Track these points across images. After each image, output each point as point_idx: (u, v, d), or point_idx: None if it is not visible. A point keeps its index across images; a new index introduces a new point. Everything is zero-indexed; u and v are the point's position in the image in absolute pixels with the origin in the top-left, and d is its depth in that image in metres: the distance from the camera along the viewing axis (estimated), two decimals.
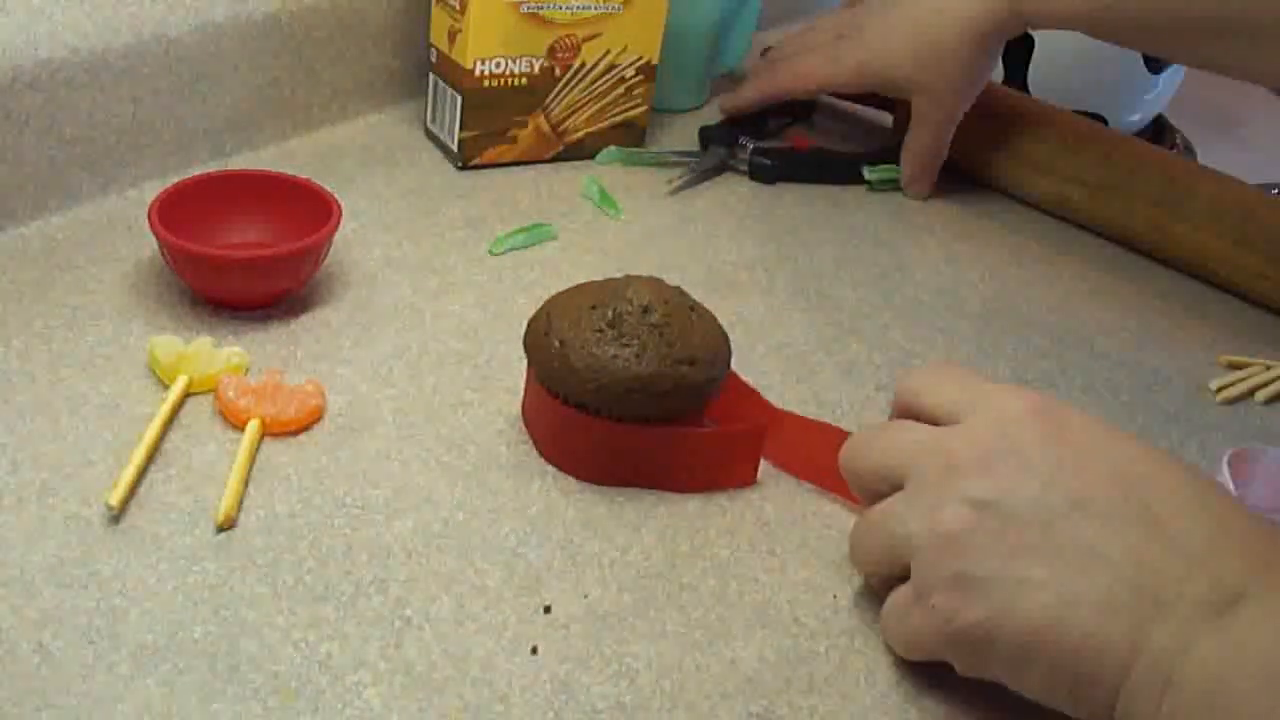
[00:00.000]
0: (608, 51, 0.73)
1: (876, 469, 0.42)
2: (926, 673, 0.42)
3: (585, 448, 0.48)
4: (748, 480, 0.50)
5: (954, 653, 0.39)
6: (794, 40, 0.82)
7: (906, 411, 0.43)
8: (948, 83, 0.72)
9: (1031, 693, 0.38)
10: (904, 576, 0.41)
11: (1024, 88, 0.85)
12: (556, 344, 0.47)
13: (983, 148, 0.80)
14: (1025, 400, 0.40)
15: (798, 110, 0.86)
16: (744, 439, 0.49)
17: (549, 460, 0.49)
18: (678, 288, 0.50)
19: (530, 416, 0.51)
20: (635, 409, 0.46)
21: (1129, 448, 0.39)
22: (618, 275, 0.64)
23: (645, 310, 0.47)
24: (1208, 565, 0.35)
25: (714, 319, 0.50)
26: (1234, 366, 0.64)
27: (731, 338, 0.51)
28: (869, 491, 0.43)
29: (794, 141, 0.82)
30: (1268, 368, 0.63)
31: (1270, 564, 0.35)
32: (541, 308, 0.50)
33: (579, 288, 0.50)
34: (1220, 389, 0.61)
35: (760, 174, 0.77)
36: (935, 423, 0.41)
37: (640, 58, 0.75)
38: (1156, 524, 0.36)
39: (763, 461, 0.50)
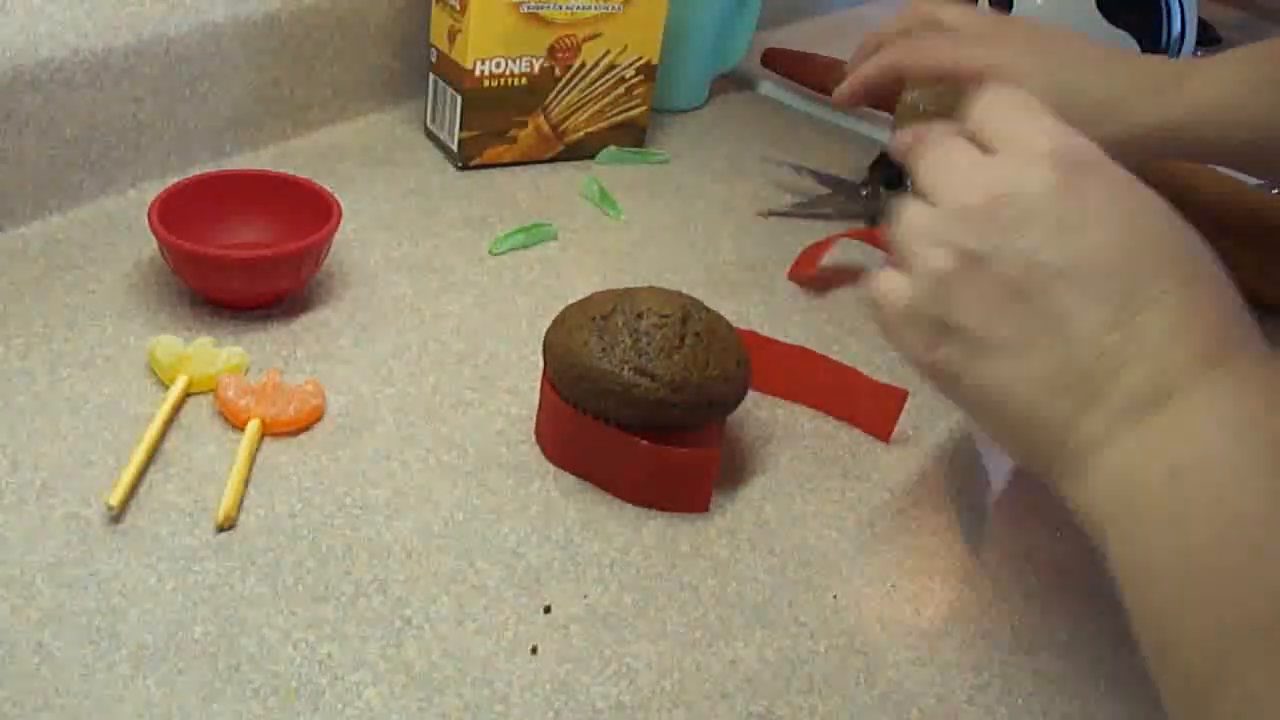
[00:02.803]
0: (608, 51, 0.73)
1: (921, 175, 0.42)
2: (927, 672, 0.42)
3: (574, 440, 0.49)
4: (698, 507, 0.48)
5: (928, 379, 0.41)
6: (905, 20, 0.71)
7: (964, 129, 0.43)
8: None
9: (989, 433, 0.40)
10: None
11: None
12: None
13: None
14: (1055, 142, 0.39)
15: None
16: (692, 463, 0.47)
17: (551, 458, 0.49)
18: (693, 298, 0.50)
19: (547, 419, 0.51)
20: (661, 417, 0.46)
21: (1144, 215, 0.38)
22: (618, 275, 0.64)
23: (681, 320, 0.47)
24: (1156, 358, 0.36)
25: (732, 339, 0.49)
26: None
27: None
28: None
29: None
30: None
31: (1220, 359, 0.36)
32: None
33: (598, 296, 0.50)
34: None
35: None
36: (978, 144, 0.41)
37: (640, 58, 0.74)
38: (1129, 307, 0.36)
39: (767, 463, 0.50)
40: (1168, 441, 0.35)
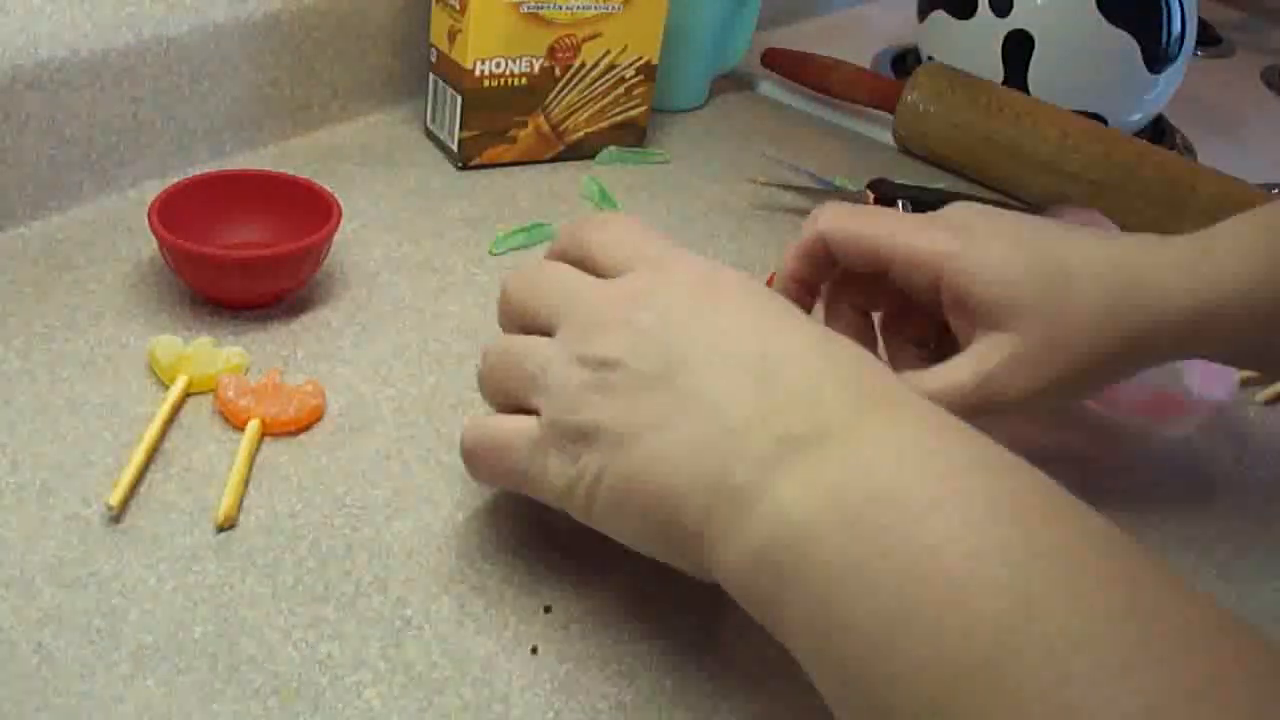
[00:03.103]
0: (608, 51, 0.73)
1: (530, 308, 0.41)
2: None
3: None
4: None
5: (568, 504, 0.39)
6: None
7: (571, 254, 0.42)
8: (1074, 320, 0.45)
9: (635, 544, 0.38)
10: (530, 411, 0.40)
11: (1024, 88, 0.85)
12: None
13: (983, 148, 0.80)
14: (692, 269, 0.39)
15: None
16: None
17: None
18: None
19: None
20: None
21: (763, 306, 0.38)
22: None
23: None
24: (808, 401, 0.35)
25: None
26: None
27: None
28: (517, 327, 0.42)
29: None
30: None
31: (878, 400, 0.35)
32: None
33: None
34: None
35: None
36: (598, 272, 0.40)
37: (640, 58, 0.75)
38: (769, 369, 0.36)
39: None
40: (838, 477, 0.33)
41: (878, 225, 0.47)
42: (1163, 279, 0.45)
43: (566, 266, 0.41)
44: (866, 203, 0.74)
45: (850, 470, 0.33)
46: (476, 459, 0.42)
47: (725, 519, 0.34)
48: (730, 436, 0.35)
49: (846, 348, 0.37)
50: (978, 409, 0.44)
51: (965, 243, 0.45)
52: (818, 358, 0.36)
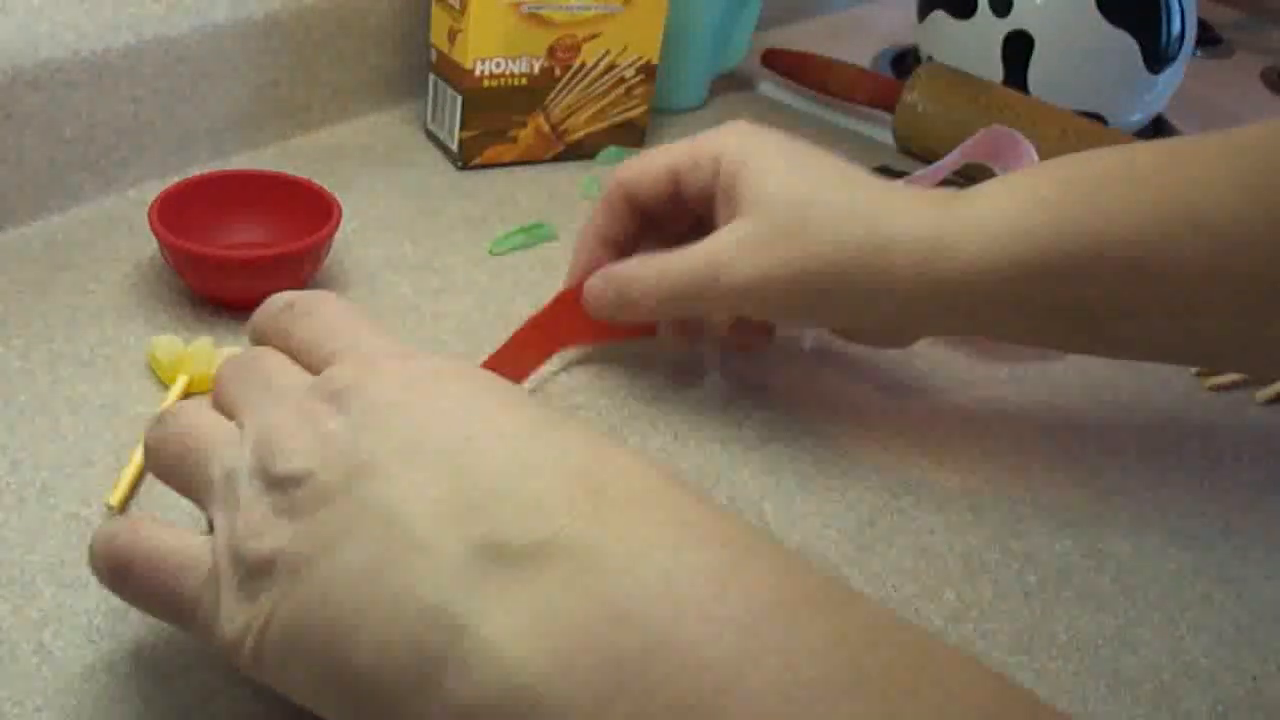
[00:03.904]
0: (608, 51, 0.73)
1: (228, 393, 0.35)
2: None
3: None
4: None
5: (243, 663, 0.31)
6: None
7: (276, 342, 0.36)
8: (811, 214, 0.47)
9: (312, 704, 0.30)
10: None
11: (1024, 88, 0.85)
12: None
13: None
14: (406, 363, 0.33)
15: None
16: None
17: None
18: None
19: None
20: None
21: (475, 399, 0.31)
22: None
23: None
24: (510, 501, 0.28)
25: None
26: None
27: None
28: (213, 405, 0.36)
29: None
30: None
31: (614, 503, 0.28)
32: None
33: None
34: (1203, 374, 0.63)
35: None
36: (303, 365, 0.35)
37: (640, 58, 0.75)
38: (467, 462, 0.29)
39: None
40: (569, 603, 0.26)
41: (665, 153, 0.50)
42: (909, 206, 0.46)
43: (275, 354, 0.35)
44: None
45: (584, 594, 0.26)
46: (127, 579, 0.33)
47: (411, 665, 0.27)
48: (413, 550, 0.27)
49: (581, 430, 0.31)
50: (706, 287, 0.47)
51: (741, 142, 0.48)
52: (541, 444, 0.29)
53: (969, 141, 0.66)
